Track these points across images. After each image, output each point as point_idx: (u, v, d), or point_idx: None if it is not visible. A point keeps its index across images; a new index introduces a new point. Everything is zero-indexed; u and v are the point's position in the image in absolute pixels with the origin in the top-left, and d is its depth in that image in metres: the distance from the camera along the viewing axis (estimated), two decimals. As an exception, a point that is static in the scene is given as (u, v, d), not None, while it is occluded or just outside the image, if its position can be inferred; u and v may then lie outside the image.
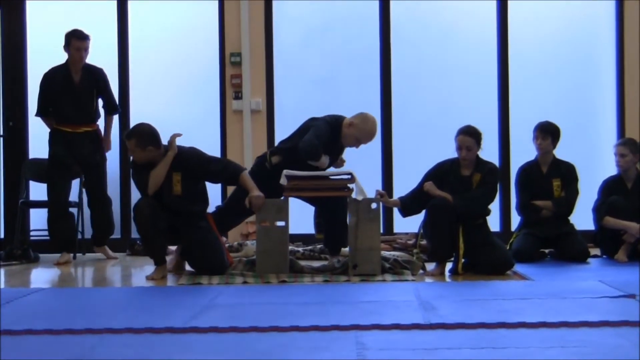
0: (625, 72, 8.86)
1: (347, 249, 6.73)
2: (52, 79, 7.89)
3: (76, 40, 7.81)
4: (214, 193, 7.41)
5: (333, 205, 6.80)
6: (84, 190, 8.15)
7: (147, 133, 6.47)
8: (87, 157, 7.91)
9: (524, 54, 8.96)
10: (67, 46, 7.85)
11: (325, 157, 6.75)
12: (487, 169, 6.69)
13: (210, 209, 6.89)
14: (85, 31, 7.85)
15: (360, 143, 6.93)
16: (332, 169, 6.95)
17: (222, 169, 6.64)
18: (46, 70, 8.01)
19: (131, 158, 6.78)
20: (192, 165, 6.57)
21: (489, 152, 6.99)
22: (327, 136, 6.76)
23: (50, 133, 7.96)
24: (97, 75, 7.99)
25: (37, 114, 7.99)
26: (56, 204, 7.92)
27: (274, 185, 6.60)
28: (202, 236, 6.53)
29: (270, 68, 8.87)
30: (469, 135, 6.63)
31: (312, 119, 6.93)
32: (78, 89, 7.87)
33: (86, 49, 7.86)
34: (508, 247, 7.21)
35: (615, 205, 7.35)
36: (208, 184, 6.76)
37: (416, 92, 9.00)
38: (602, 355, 3.66)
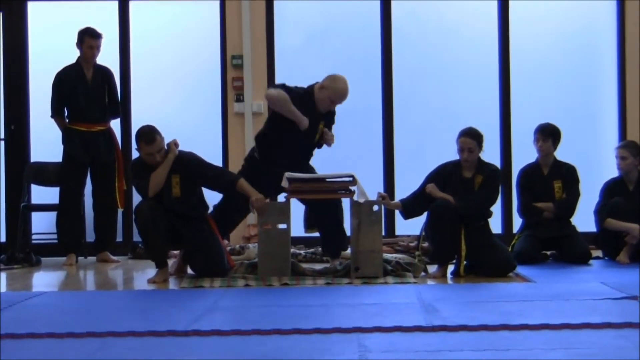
0: (627, 74, 8.85)
1: (348, 251, 6.73)
2: (65, 77, 7.95)
3: (89, 38, 7.90)
4: (216, 198, 7.40)
5: (326, 208, 6.79)
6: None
7: (147, 129, 6.49)
8: (103, 155, 7.95)
9: (525, 55, 8.95)
10: (80, 43, 7.92)
11: (301, 115, 6.73)
12: (489, 171, 6.69)
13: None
14: (98, 29, 7.93)
15: (335, 103, 6.87)
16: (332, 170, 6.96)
17: (219, 175, 6.65)
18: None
19: (132, 161, 6.80)
20: (191, 168, 6.58)
21: (490, 153, 6.98)
22: (298, 94, 6.79)
23: (63, 133, 7.98)
24: (107, 75, 8.10)
25: (52, 115, 8.00)
26: (68, 204, 7.93)
27: (267, 178, 6.62)
28: (203, 239, 6.53)
29: (271, 70, 8.87)
30: (471, 137, 6.63)
31: None
32: (91, 86, 7.95)
33: (98, 47, 7.95)
34: (510, 249, 7.20)
35: (616, 207, 7.35)
36: (206, 191, 6.76)
37: (417, 93, 8.99)
38: (605, 356, 3.66)
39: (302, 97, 6.80)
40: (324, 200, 6.71)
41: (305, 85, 6.94)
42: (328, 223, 6.85)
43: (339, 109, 7.02)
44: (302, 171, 6.71)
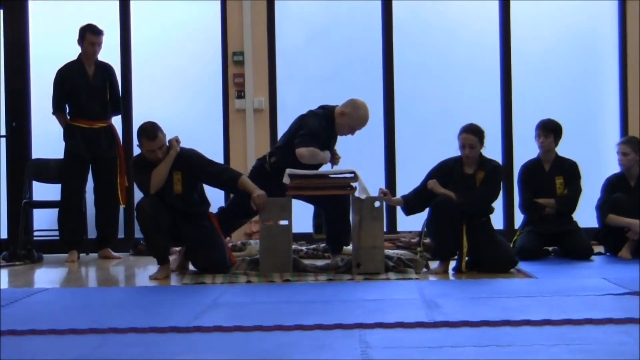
0: (628, 71, 8.84)
1: (349, 247, 6.74)
2: (66, 73, 7.97)
3: (91, 35, 7.91)
4: (217, 195, 7.41)
5: (334, 204, 6.79)
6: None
7: (149, 125, 6.48)
8: (104, 151, 7.96)
9: (526, 52, 8.95)
10: (82, 40, 7.93)
11: (325, 153, 6.74)
12: (491, 167, 6.69)
13: (213, 210, 6.89)
14: (100, 26, 7.94)
15: (355, 130, 6.91)
16: (332, 167, 6.95)
17: (221, 172, 6.63)
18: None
19: (133, 158, 6.82)
20: (192, 165, 6.57)
21: (491, 150, 6.98)
22: (323, 130, 6.75)
23: (64, 129, 7.98)
24: (109, 71, 8.12)
25: (54, 112, 8.00)
26: (70, 201, 7.94)
27: (275, 186, 6.61)
28: (204, 235, 6.53)
29: (272, 67, 8.87)
30: (472, 134, 6.63)
31: (302, 117, 6.90)
32: (92, 82, 7.95)
33: (100, 44, 7.95)
34: (511, 245, 7.20)
35: (618, 203, 7.35)
36: (207, 188, 6.76)
37: (419, 90, 8.99)
38: (606, 352, 3.66)
39: (326, 128, 6.79)
40: (335, 197, 6.71)
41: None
42: (337, 219, 6.85)
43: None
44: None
